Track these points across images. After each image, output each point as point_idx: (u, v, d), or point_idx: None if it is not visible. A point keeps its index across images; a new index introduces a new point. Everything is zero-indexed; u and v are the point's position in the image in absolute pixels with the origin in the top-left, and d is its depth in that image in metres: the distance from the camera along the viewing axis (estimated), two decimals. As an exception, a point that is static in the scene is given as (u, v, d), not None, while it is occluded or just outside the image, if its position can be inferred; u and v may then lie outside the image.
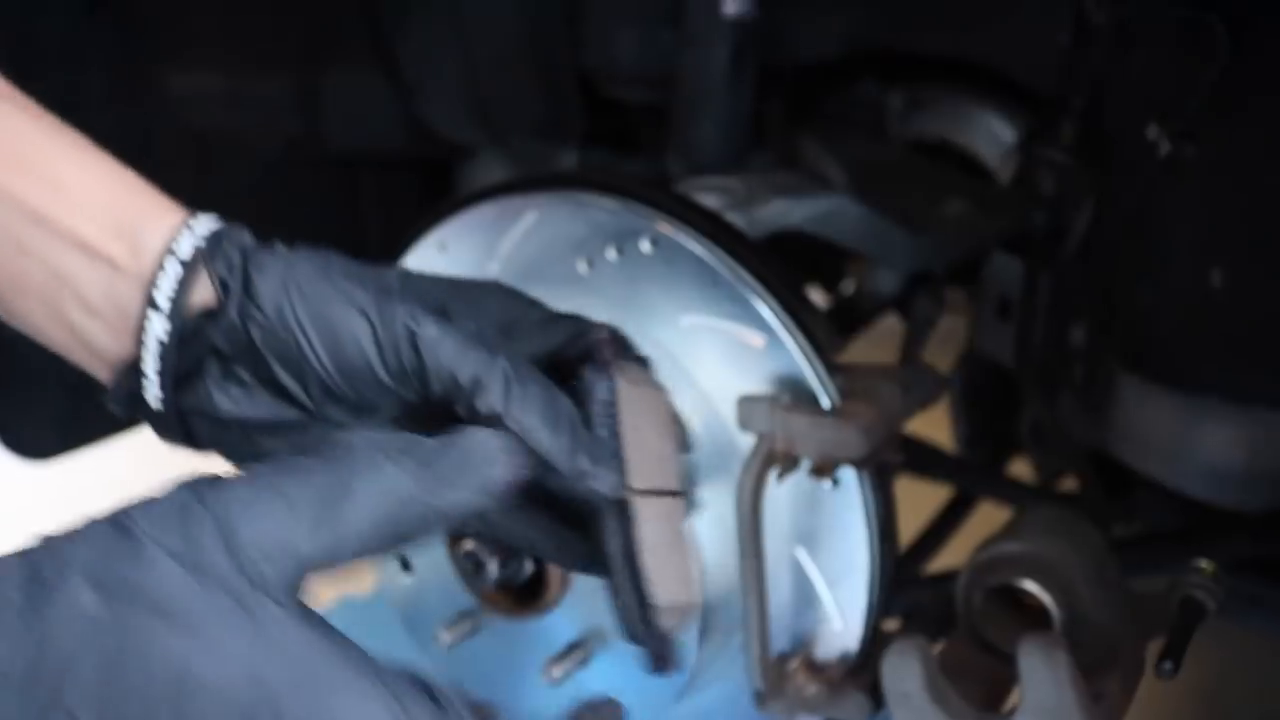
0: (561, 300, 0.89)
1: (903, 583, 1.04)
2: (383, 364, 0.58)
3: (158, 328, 0.58)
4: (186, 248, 0.59)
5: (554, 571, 0.86)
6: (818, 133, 1.33)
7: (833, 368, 0.81)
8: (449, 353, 0.57)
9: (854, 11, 1.18)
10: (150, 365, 0.59)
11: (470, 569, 0.87)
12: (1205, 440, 1.05)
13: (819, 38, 1.20)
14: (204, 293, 0.58)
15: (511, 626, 0.92)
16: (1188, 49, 0.92)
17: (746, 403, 0.78)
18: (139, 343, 0.58)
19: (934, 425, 1.23)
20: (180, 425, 0.61)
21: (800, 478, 0.81)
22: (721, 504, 0.81)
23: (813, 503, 0.83)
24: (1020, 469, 1.41)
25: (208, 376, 0.59)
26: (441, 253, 0.97)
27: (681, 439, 0.69)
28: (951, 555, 1.24)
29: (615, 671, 0.88)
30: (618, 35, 1.24)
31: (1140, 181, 0.99)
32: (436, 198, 1.50)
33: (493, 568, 0.86)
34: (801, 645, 0.86)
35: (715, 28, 1.07)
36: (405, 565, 0.99)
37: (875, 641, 0.85)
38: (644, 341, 0.84)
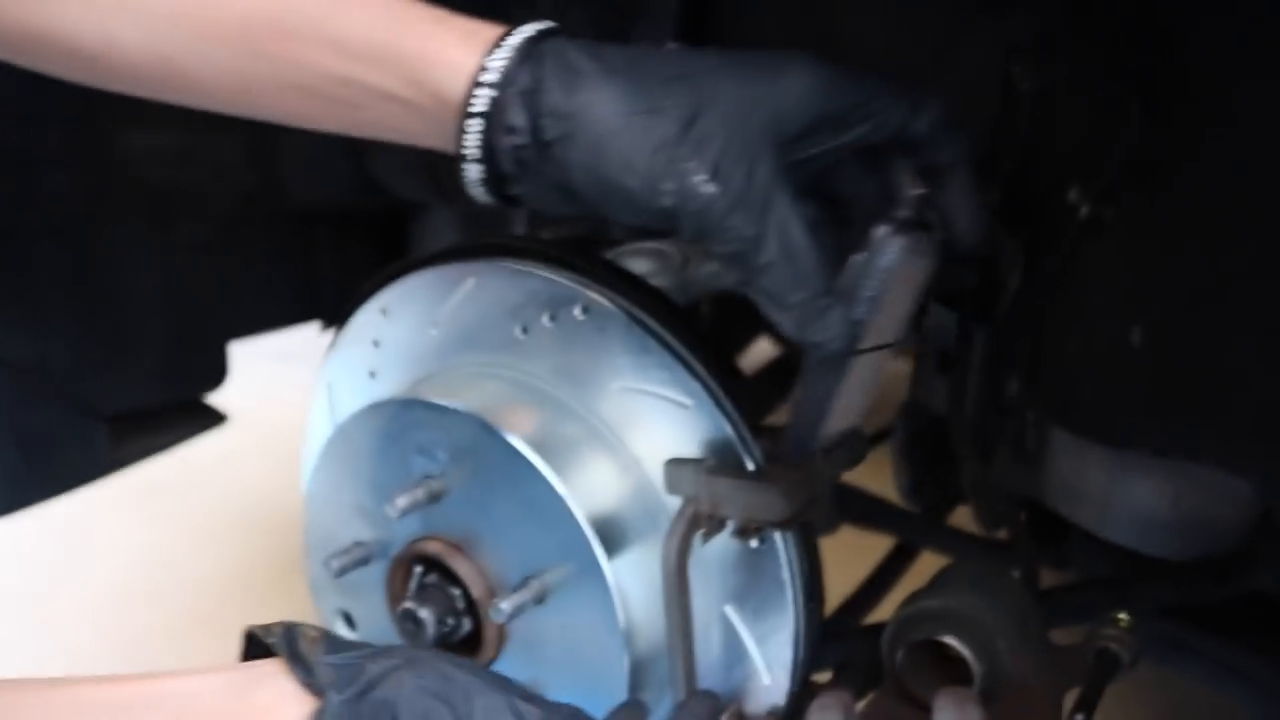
0: (499, 364, 0.92)
1: (837, 634, 1.06)
2: (650, 217, 0.68)
3: (475, 173, 0.71)
4: (482, 101, 0.68)
5: (490, 627, 0.88)
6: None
7: (758, 430, 0.83)
8: (716, 215, 0.66)
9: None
10: (474, 187, 0.72)
11: (410, 627, 0.89)
12: (1131, 491, 1.08)
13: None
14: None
15: (452, 682, 0.94)
16: (1105, 117, 0.96)
17: (673, 466, 0.81)
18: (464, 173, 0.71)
19: (876, 476, 1.26)
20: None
21: (730, 537, 0.84)
22: (651, 564, 0.83)
23: (741, 562, 0.86)
24: (963, 518, 1.43)
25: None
26: (384, 317, 0.99)
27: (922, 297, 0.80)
28: (894, 605, 1.27)
29: (552, 726, 0.90)
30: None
31: (1064, 242, 1.02)
32: (392, 251, 1.53)
33: (430, 625, 0.88)
34: (732, 700, 0.89)
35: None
36: (349, 622, 1.01)
37: (804, 695, 0.87)
38: (577, 405, 0.87)
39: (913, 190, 0.74)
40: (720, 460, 0.82)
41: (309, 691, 0.62)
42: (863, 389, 0.80)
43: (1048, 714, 0.84)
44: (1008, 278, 1.17)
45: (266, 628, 0.67)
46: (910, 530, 1.29)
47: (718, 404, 0.83)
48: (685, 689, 0.83)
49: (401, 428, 0.90)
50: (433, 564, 0.90)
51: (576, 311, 0.87)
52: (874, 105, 0.70)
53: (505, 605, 0.83)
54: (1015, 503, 1.23)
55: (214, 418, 1.50)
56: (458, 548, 0.88)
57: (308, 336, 1.58)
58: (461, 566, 0.88)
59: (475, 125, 0.68)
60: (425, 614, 0.88)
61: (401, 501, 0.86)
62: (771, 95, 0.68)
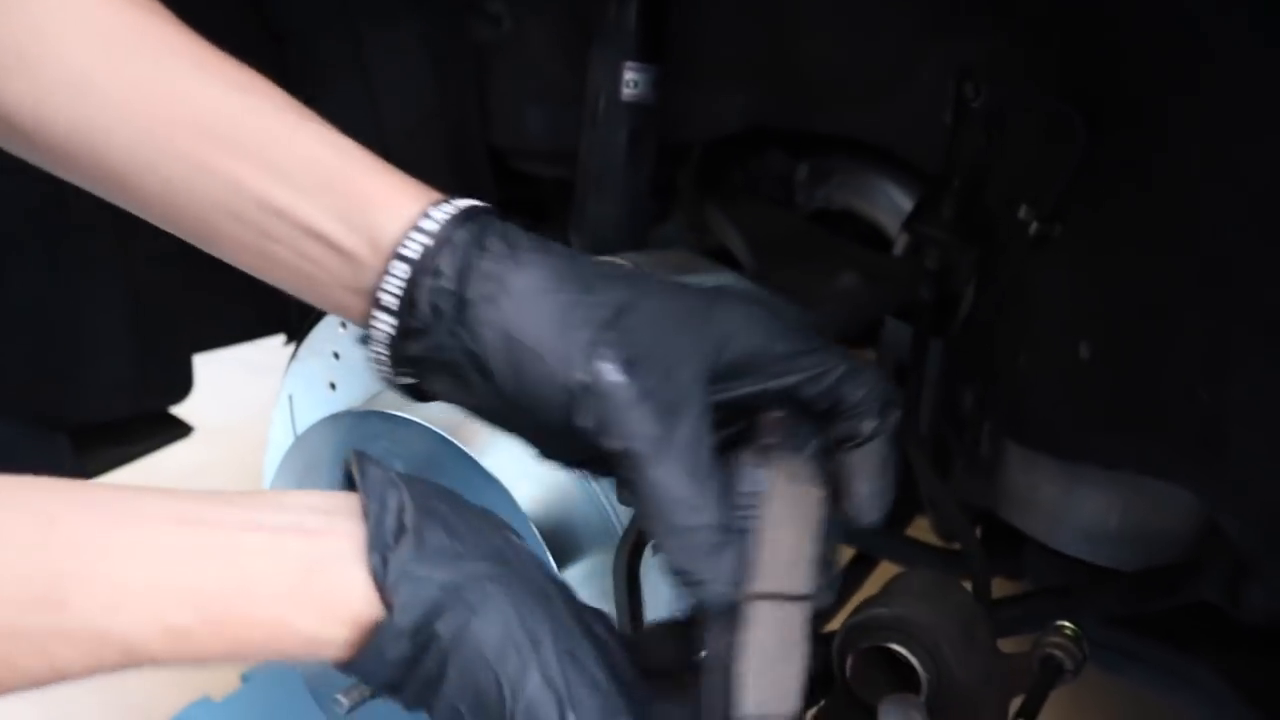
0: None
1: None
2: (550, 399, 0.62)
3: (384, 325, 0.64)
4: (415, 247, 0.62)
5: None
6: (724, 203, 1.38)
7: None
8: (622, 404, 0.61)
9: (749, 92, 1.23)
10: (378, 349, 0.65)
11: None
12: (1082, 503, 1.10)
13: (717, 117, 1.25)
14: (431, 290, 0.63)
15: (409, 691, 0.95)
16: (1052, 136, 0.98)
17: (624, 477, 0.82)
18: (372, 324, 0.64)
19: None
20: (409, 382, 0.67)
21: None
22: (604, 573, 0.84)
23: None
24: (922, 530, 1.45)
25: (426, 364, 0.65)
26: (344, 330, 1.00)
27: (829, 539, 0.68)
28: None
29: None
30: (527, 113, 1.28)
31: (1013, 258, 1.04)
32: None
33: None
34: (686, 707, 0.90)
35: (615, 110, 1.12)
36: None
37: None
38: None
39: (770, 415, 0.66)
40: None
41: (377, 594, 0.57)
42: (785, 657, 0.64)
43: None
44: (962, 292, 1.20)
45: (366, 468, 0.60)
46: (868, 541, 1.30)
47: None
48: (638, 696, 0.83)
49: (359, 440, 0.91)
50: (390, 573, 0.91)
51: (532, 324, 0.88)
52: (808, 360, 0.66)
53: (459, 614, 0.84)
54: (963, 515, 1.25)
55: (179, 429, 1.50)
56: (414, 558, 0.89)
57: (277, 349, 1.59)
58: (418, 576, 0.89)
59: (400, 270, 0.63)
60: (382, 623, 0.89)
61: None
62: (707, 317, 0.64)
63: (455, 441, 0.86)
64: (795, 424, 0.67)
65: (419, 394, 0.67)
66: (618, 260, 1.06)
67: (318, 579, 0.57)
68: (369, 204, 0.64)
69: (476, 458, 0.85)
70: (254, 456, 1.07)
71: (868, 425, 0.68)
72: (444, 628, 0.57)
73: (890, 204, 1.44)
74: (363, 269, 0.64)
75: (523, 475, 0.86)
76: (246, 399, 2.31)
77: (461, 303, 0.62)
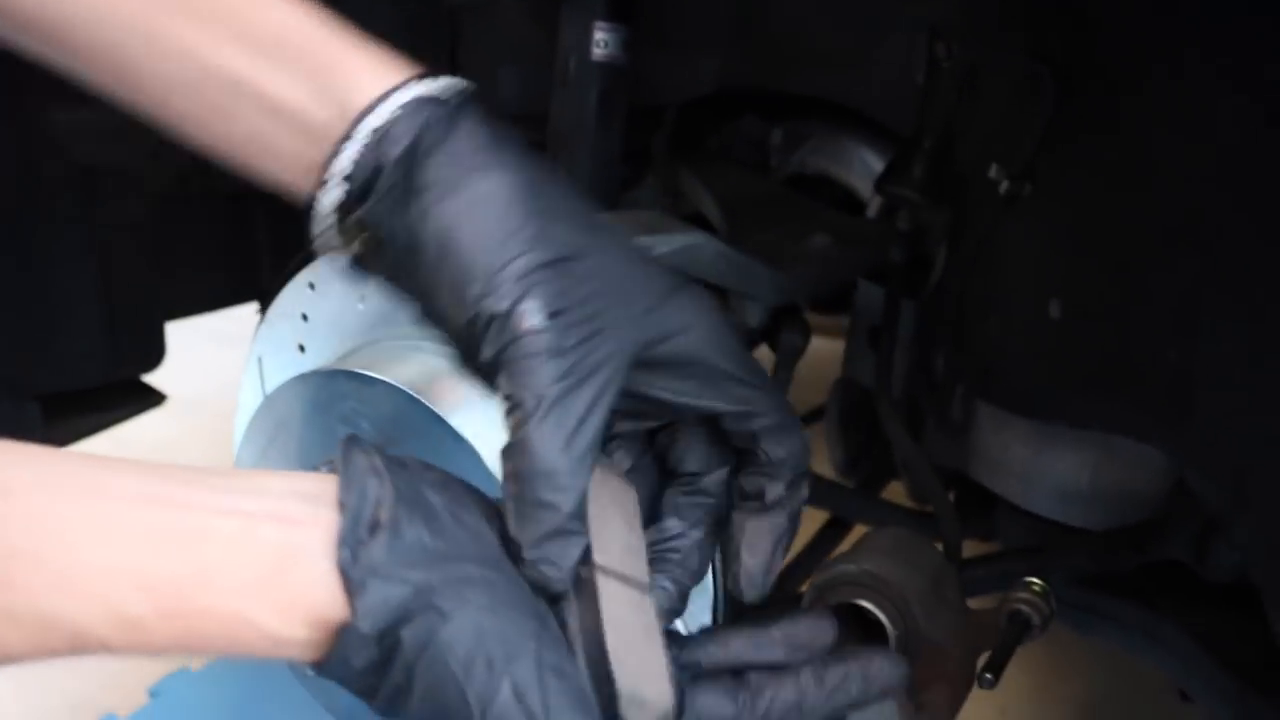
0: (426, 337, 0.93)
1: (769, 602, 1.08)
2: (465, 330, 0.59)
3: (330, 196, 0.61)
4: (382, 114, 0.59)
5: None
6: (698, 168, 1.38)
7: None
8: (532, 349, 0.57)
9: (722, 54, 1.22)
10: (321, 222, 0.63)
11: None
12: (1053, 463, 1.10)
13: (689, 79, 1.24)
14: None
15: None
16: (1022, 95, 0.98)
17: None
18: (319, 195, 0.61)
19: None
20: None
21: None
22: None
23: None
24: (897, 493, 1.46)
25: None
26: (312, 291, 1.00)
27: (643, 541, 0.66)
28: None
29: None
30: (499, 75, 1.27)
31: (984, 218, 1.04)
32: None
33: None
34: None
35: (585, 70, 1.11)
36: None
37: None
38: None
39: None
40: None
41: (344, 593, 0.53)
42: (647, 641, 0.60)
43: (959, 675, 0.86)
44: (935, 254, 1.20)
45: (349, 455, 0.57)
46: (843, 504, 1.30)
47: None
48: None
49: (327, 399, 0.91)
50: (359, 534, 0.91)
51: (499, 283, 0.88)
52: (742, 392, 0.63)
53: (427, 572, 0.84)
54: (944, 477, 1.26)
55: (152, 398, 1.50)
56: (383, 518, 0.89)
57: (249, 320, 1.58)
58: (386, 536, 0.88)
59: (363, 135, 0.59)
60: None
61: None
62: (660, 300, 0.61)
63: (424, 401, 0.85)
64: (710, 447, 0.66)
65: (360, 264, 0.65)
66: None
67: (287, 573, 0.53)
68: (345, 75, 0.61)
69: (445, 417, 0.85)
70: (226, 428, 1.06)
71: (773, 491, 0.65)
72: (409, 635, 0.52)
73: (865, 168, 1.44)
74: (320, 143, 0.60)
75: (491, 436, 0.86)
76: (219, 371, 2.30)
77: (411, 186, 0.59)
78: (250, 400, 1.05)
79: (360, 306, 0.96)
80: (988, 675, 0.81)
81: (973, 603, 0.94)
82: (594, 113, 1.11)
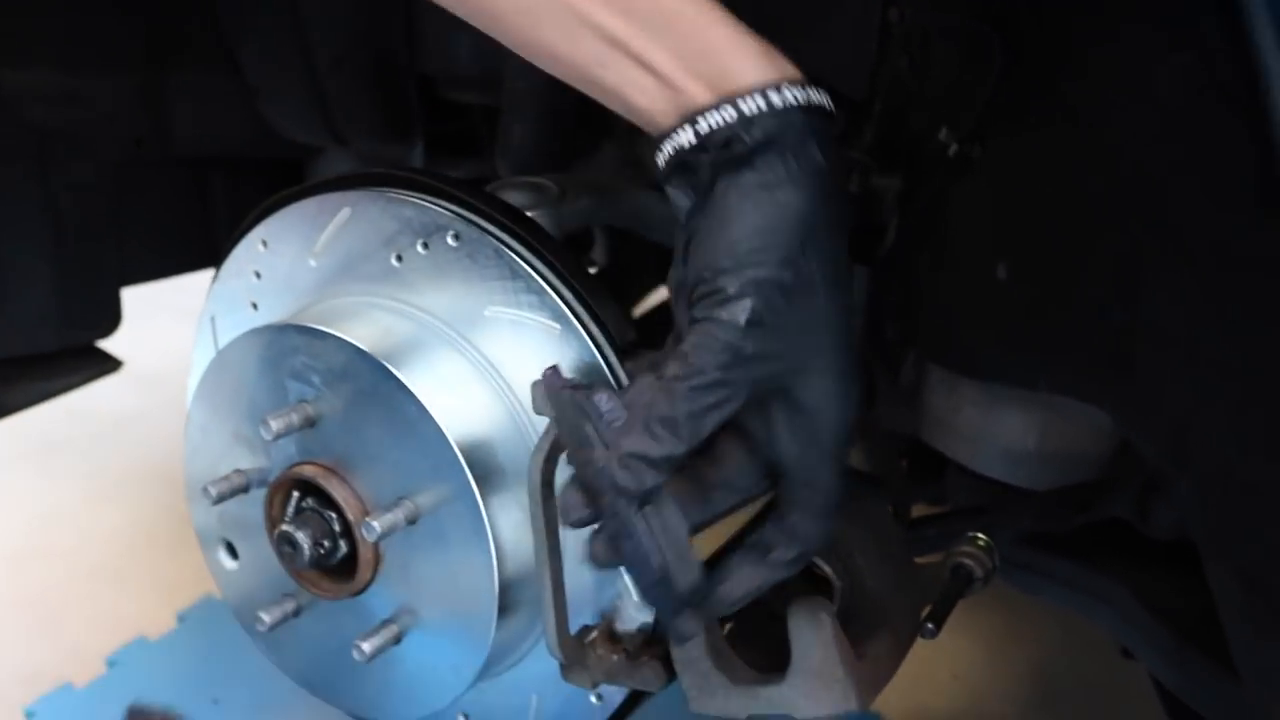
0: (377, 293, 0.94)
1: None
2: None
3: (685, 137, 0.71)
4: (751, 106, 0.70)
5: (365, 549, 0.89)
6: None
7: (624, 353, 0.85)
8: (696, 330, 0.72)
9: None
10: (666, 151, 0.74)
11: (287, 550, 0.90)
12: (1001, 425, 1.11)
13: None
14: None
15: (331, 607, 0.95)
16: (971, 58, 0.98)
17: (538, 387, 0.82)
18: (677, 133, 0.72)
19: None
20: None
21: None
22: (522, 486, 0.85)
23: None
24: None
25: None
26: (265, 249, 1.00)
27: None
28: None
29: (426, 649, 0.92)
30: (454, 40, 1.27)
31: (934, 181, 1.05)
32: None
33: (306, 548, 0.89)
34: (604, 619, 0.91)
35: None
36: (231, 552, 1.02)
37: (673, 614, 0.89)
38: (450, 331, 0.89)
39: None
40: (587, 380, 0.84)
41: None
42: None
43: (903, 627, 0.87)
44: (888, 220, 1.20)
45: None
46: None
47: (584, 326, 0.85)
48: (553, 606, 0.85)
49: (277, 354, 0.91)
50: (310, 488, 0.91)
51: (449, 239, 0.88)
52: (815, 464, 0.77)
53: (375, 524, 0.84)
54: (898, 443, 1.27)
55: (108, 363, 1.49)
56: (333, 471, 0.90)
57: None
58: (337, 490, 0.89)
59: (729, 115, 0.70)
60: (301, 537, 0.89)
61: (275, 424, 0.87)
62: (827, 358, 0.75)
63: (374, 355, 0.86)
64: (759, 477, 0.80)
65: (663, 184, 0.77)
66: (547, 182, 1.06)
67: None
68: (721, 58, 0.71)
69: (395, 371, 0.85)
70: (184, 401, 1.06)
71: (781, 555, 0.79)
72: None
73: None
74: (686, 99, 0.71)
75: (440, 390, 0.86)
76: (180, 345, 2.28)
77: (743, 162, 0.70)
78: (204, 360, 1.05)
79: (312, 264, 0.96)
80: (929, 625, 0.82)
81: (921, 562, 0.96)
82: (545, 78, 1.11)
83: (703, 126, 0.70)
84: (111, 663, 1.78)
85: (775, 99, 0.71)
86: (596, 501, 0.74)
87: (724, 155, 0.71)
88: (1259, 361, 0.73)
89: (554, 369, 0.77)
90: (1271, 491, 0.77)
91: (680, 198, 0.75)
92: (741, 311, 0.70)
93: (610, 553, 0.76)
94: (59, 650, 1.81)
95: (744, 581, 0.80)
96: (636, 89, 0.73)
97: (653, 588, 0.76)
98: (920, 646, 0.97)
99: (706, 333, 0.71)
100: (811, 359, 0.74)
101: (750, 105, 0.70)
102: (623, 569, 0.79)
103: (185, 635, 1.88)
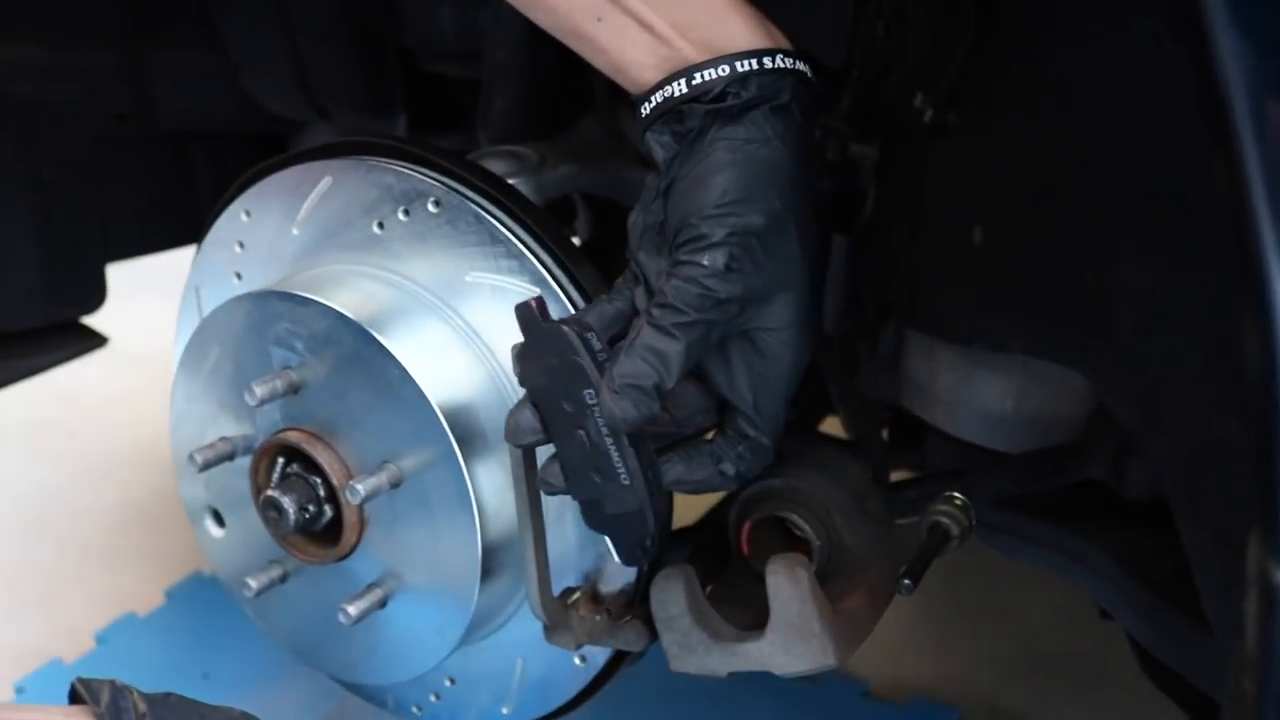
0: (359, 261, 0.94)
1: (699, 525, 1.10)
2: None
3: (675, 89, 0.75)
4: (742, 66, 0.75)
5: (350, 513, 0.90)
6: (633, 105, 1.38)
7: (604, 315, 0.86)
8: (678, 272, 0.75)
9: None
10: (652, 103, 0.77)
11: (272, 515, 0.91)
12: (979, 389, 1.12)
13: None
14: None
15: (317, 573, 0.96)
16: (946, 24, 0.99)
17: (517, 350, 0.83)
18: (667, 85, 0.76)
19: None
20: None
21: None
22: (503, 449, 0.86)
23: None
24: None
25: None
26: (248, 219, 1.00)
27: None
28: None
29: (411, 613, 0.93)
30: (436, 12, 1.28)
31: (910, 147, 1.06)
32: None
33: (291, 513, 0.90)
34: (587, 580, 0.92)
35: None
36: (218, 520, 1.03)
37: (654, 574, 0.91)
38: (431, 297, 0.90)
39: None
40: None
41: None
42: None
43: (882, 583, 0.89)
44: (866, 189, 1.21)
45: (94, 687, 0.67)
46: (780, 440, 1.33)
47: (563, 290, 0.86)
48: (535, 568, 0.86)
49: (261, 321, 0.92)
50: (294, 454, 0.92)
51: (430, 205, 0.89)
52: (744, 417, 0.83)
53: (360, 487, 0.85)
54: (879, 411, 1.28)
55: (93, 339, 1.49)
56: (317, 437, 0.91)
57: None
58: (321, 455, 0.90)
59: (723, 70, 0.74)
60: (287, 502, 0.90)
61: (259, 390, 0.88)
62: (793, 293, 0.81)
63: (356, 320, 0.87)
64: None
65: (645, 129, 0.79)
66: (526, 150, 1.07)
67: None
68: (712, 17, 0.76)
69: (378, 336, 0.86)
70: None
71: (714, 467, 0.83)
72: None
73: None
74: (680, 58, 0.75)
75: (423, 355, 0.87)
76: (168, 328, 2.29)
77: (731, 118, 0.75)
78: (189, 330, 1.06)
79: (295, 233, 0.97)
80: (906, 581, 0.84)
81: (901, 524, 0.97)
82: (528, 42, 1.11)
83: (697, 80, 0.74)
84: (101, 639, 1.79)
85: (767, 62, 0.76)
86: (572, 438, 0.78)
87: (717, 107, 0.75)
88: (1222, 314, 0.74)
89: (539, 299, 0.79)
90: (1239, 445, 0.78)
91: (661, 146, 0.78)
92: (721, 257, 0.74)
93: (580, 485, 0.80)
94: (49, 627, 1.82)
95: (692, 472, 0.83)
96: (631, 44, 0.77)
97: (625, 519, 0.81)
98: (906, 616, 0.98)
99: (688, 276, 0.75)
100: (777, 306, 0.79)
101: (744, 65, 0.75)
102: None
103: (174, 612, 1.88)
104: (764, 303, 0.79)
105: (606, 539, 0.85)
